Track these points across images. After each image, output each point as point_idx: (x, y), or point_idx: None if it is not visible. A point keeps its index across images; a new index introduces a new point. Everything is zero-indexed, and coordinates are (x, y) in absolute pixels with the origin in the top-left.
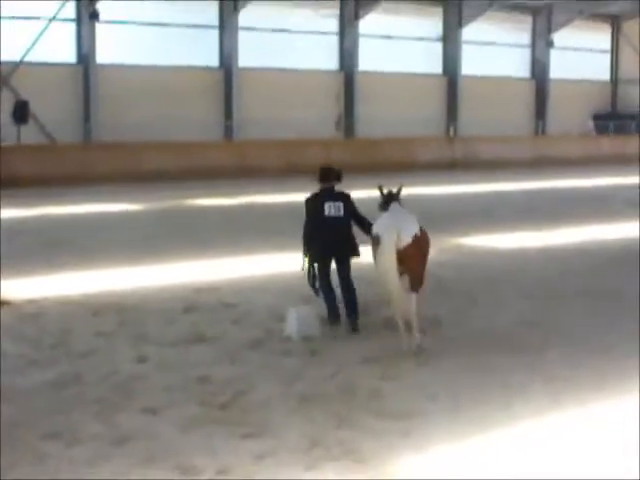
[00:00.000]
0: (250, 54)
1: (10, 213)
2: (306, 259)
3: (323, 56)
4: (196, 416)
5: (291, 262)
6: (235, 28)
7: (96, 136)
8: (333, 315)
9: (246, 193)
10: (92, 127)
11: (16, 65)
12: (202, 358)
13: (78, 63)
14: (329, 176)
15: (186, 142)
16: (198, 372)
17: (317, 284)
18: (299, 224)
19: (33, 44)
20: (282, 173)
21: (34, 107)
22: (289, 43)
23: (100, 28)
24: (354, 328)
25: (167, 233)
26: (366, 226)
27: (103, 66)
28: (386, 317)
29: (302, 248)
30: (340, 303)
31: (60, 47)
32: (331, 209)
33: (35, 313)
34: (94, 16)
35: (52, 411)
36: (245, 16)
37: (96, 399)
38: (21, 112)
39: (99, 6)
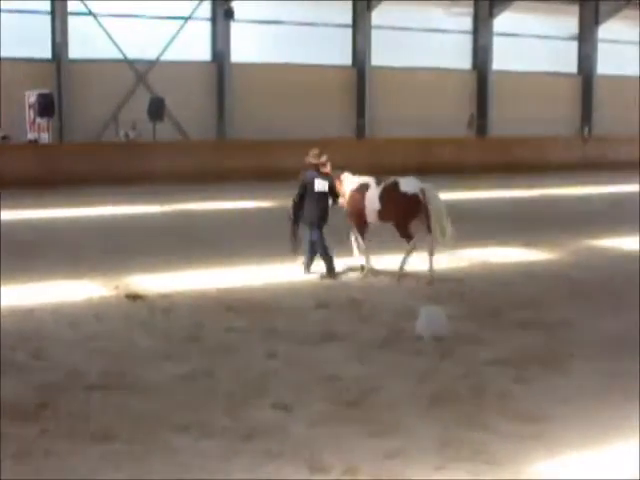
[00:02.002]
0: (383, 53)
1: (145, 209)
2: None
3: (456, 55)
4: (325, 413)
5: (419, 262)
6: (368, 27)
7: (229, 133)
8: (309, 266)
9: None
10: (226, 124)
11: (152, 63)
12: (332, 356)
13: (213, 61)
14: (319, 158)
15: (318, 140)
16: (328, 369)
17: (294, 245)
18: None
19: (169, 42)
20: (413, 172)
21: (169, 104)
22: (422, 42)
23: (235, 26)
24: (331, 277)
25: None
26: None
27: (237, 64)
28: (518, 319)
29: (290, 216)
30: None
31: (195, 45)
32: (319, 185)
33: (168, 307)
34: (229, 15)
35: (183, 405)
36: (378, 15)
37: (227, 394)
38: (157, 109)
39: (234, 5)
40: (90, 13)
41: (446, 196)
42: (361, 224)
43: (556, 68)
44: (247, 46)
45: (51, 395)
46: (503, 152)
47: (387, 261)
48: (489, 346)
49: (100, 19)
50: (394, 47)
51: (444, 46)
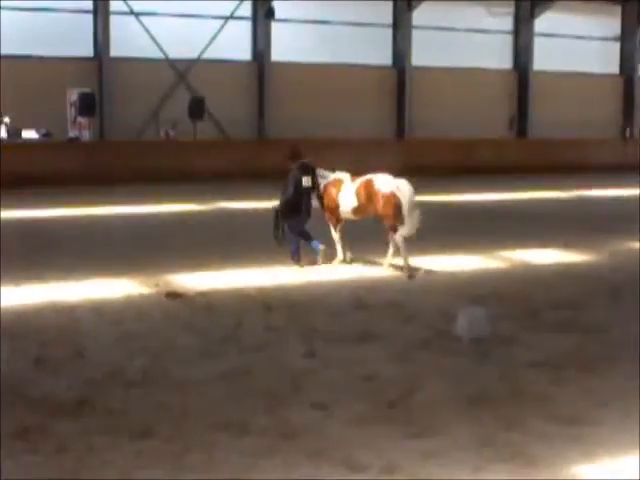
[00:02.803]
0: (423, 53)
1: (185, 207)
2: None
3: (497, 55)
4: (364, 413)
5: (461, 262)
6: (409, 27)
7: (269, 133)
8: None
9: (416, 192)
10: (265, 124)
11: (193, 62)
12: (371, 356)
13: (253, 60)
14: (300, 154)
15: (359, 140)
16: (366, 369)
17: (280, 237)
18: (469, 225)
19: (210, 42)
20: (453, 173)
21: (209, 103)
22: (462, 42)
23: (275, 26)
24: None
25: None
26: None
27: (277, 64)
28: (556, 321)
29: (279, 211)
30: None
31: (236, 45)
32: (305, 181)
33: (207, 306)
34: (270, 14)
35: (222, 403)
36: (419, 15)
37: (265, 392)
38: (197, 108)
39: (275, 4)
40: (132, 12)
41: (485, 197)
42: (335, 218)
43: (597, 69)
44: (287, 46)
45: (91, 392)
46: (543, 153)
47: (425, 261)
48: (527, 347)
49: (142, 18)
50: (434, 47)
51: (485, 46)
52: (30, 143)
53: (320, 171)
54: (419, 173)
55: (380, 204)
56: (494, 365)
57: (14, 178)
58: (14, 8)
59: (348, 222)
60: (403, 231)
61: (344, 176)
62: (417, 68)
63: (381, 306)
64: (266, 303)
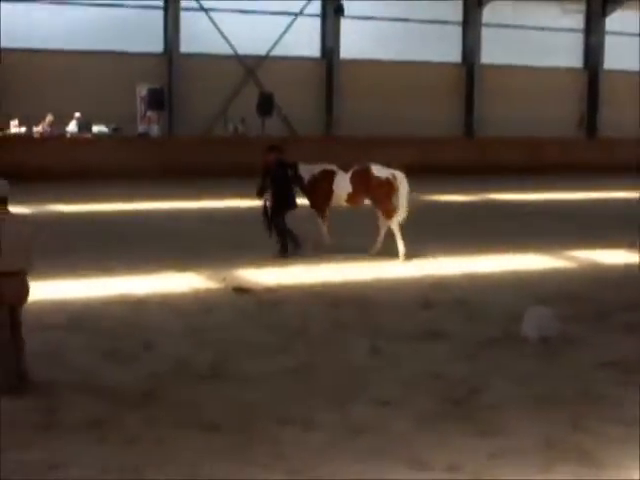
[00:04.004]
0: (493, 50)
1: (251, 202)
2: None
3: (567, 53)
4: (429, 411)
5: (528, 262)
6: (479, 24)
7: (337, 129)
8: (286, 249)
9: (484, 190)
10: (333, 121)
11: (262, 59)
12: (437, 354)
13: (322, 57)
14: (282, 150)
15: (427, 137)
16: (433, 367)
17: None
18: (536, 224)
19: (279, 38)
20: (521, 171)
21: (278, 100)
22: (532, 40)
23: (345, 23)
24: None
25: (405, 227)
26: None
27: (346, 61)
28: (624, 322)
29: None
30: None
31: (305, 42)
32: (289, 173)
33: (274, 301)
34: (339, 11)
35: (289, 398)
36: (489, 12)
37: (331, 388)
38: (265, 104)
39: (344, 2)
40: (202, 8)
41: (553, 196)
42: (323, 208)
43: None
44: (356, 43)
45: (159, 384)
46: (612, 153)
47: (492, 260)
48: (596, 348)
49: (211, 14)
50: (504, 45)
51: (555, 44)
52: (100, 137)
53: (302, 165)
54: (487, 171)
55: (377, 190)
56: (561, 366)
57: (84, 172)
58: (86, 4)
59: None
60: (399, 216)
61: (332, 167)
62: (486, 66)
63: (448, 304)
64: (333, 299)
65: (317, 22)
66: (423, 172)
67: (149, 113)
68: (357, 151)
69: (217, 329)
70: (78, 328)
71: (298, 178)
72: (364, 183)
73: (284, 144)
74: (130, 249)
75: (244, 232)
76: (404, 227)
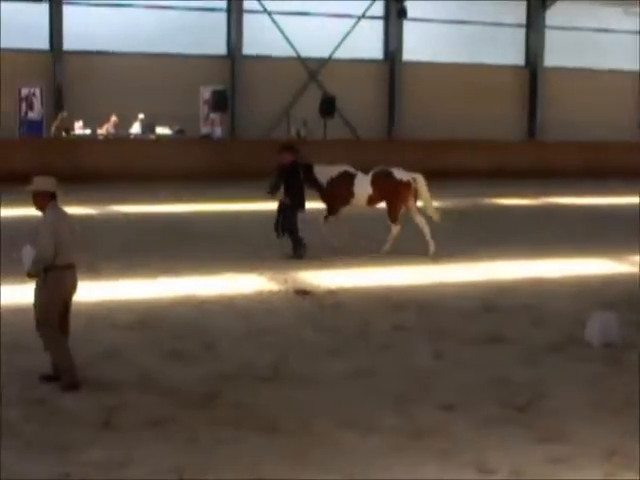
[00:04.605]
0: (556, 53)
1: (312, 205)
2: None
3: (631, 56)
4: (493, 416)
5: (591, 266)
6: (542, 27)
7: (399, 132)
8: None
9: (546, 194)
10: (395, 123)
11: (324, 61)
12: (500, 358)
13: (385, 60)
14: (297, 150)
15: (489, 141)
16: (496, 372)
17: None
18: (599, 228)
19: (342, 41)
20: (583, 175)
21: (340, 102)
22: (597, 42)
23: (407, 25)
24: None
25: (467, 231)
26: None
27: (409, 63)
28: None
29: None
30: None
31: (368, 44)
32: (302, 175)
33: (336, 304)
34: (402, 14)
35: (350, 401)
36: (553, 14)
37: (393, 392)
38: (328, 107)
39: (407, 4)
40: (265, 11)
41: (616, 200)
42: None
43: None
44: (419, 45)
45: (221, 385)
46: None
47: (554, 265)
48: None
49: (274, 17)
50: (568, 47)
51: (619, 47)
52: (164, 139)
53: (318, 167)
54: (549, 175)
55: (397, 192)
56: (625, 371)
57: (147, 173)
58: (150, 6)
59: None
60: (432, 215)
61: (351, 169)
62: (550, 69)
63: (510, 309)
64: (395, 302)
65: (380, 24)
66: (485, 175)
67: (212, 115)
68: (419, 154)
69: (278, 331)
70: (142, 328)
71: (312, 180)
72: (386, 185)
73: (297, 145)
74: (194, 250)
75: (306, 234)
76: (462, 229)
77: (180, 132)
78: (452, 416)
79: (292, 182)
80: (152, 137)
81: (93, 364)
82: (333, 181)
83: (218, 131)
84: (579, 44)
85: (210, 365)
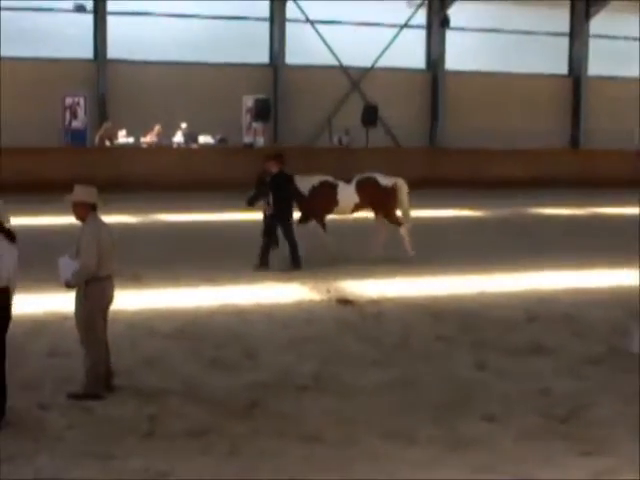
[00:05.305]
0: (600, 62)
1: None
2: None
3: None
4: (535, 427)
5: (633, 276)
6: (586, 35)
7: (441, 141)
8: (299, 260)
9: (591, 204)
10: (438, 132)
11: (367, 70)
12: (542, 369)
13: (427, 69)
14: (284, 160)
15: (532, 150)
16: (538, 383)
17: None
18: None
19: (384, 50)
20: (628, 185)
21: (382, 111)
22: (636, 51)
23: (449, 34)
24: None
25: (509, 241)
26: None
27: (451, 72)
28: None
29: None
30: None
31: (410, 53)
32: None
33: (378, 313)
34: (445, 23)
35: (391, 411)
36: (596, 23)
37: (434, 402)
38: (370, 116)
39: (450, 12)
40: (307, 20)
41: None
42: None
43: None
44: (462, 54)
45: (262, 394)
46: None
47: (594, 276)
48: None
49: (317, 26)
50: (612, 56)
51: None
52: (206, 148)
53: (299, 177)
54: (592, 184)
55: (383, 198)
56: None
57: (189, 182)
58: (192, 16)
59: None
60: (406, 221)
61: (330, 178)
62: (594, 78)
63: (552, 319)
64: (437, 313)
65: (422, 33)
66: (528, 184)
67: (255, 125)
68: (461, 163)
69: (320, 340)
70: (183, 336)
71: (294, 190)
72: (371, 192)
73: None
74: (235, 259)
75: (348, 243)
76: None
77: (222, 141)
78: (493, 427)
79: (279, 192)
80: (194, 146)
81: (135, 372)
82: (315, 190)
83: (260, 140)
84: (622, 52)
85: (251, 374)
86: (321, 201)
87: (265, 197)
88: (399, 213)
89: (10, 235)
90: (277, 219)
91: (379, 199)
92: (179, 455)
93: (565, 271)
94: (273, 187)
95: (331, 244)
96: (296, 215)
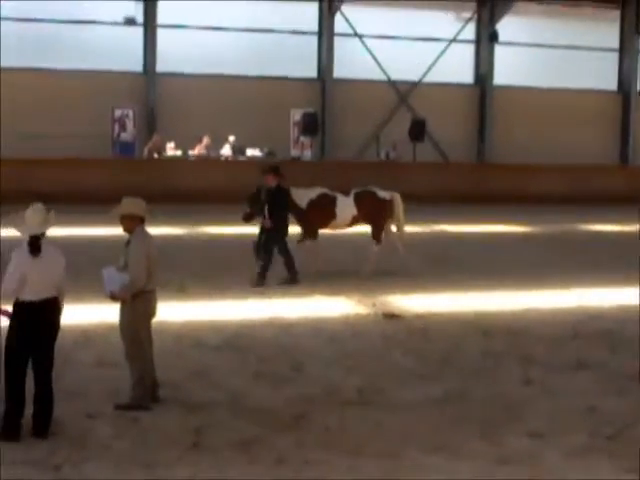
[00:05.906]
0: None
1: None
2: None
3: None
4: (582, 445)
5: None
6: (635, 51)
7: (489, 156)
8: (295, 276)
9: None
10: (486, 147)
11: (414, 85)
12: (588, 386)
13: (475, 84)
14: (282, 173)
15: (580, 166)
16: (584, 400)
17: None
18: None
19: (432, 64)
20: None
21: (430, 126)
22: None
23: (498, 49)
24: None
25: (557, 257)
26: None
27: (500, 87)
28: None
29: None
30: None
31: (458, 68)
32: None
33: (424, 328)
34: (494, 37)
35: (436, 426)
36: None
37: (480, 418)
38: (417, 130)
39: (498, 27)
40: (355, 34)
41: None
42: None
43: None
44: (510, 69)
45: (308, 407)
46: None
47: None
48: None
49: (365, 40)
50: None
51: None
52: (253, 161)
53: (296, 190)
54: None
55: (380, 211)
56: None
57: (237, 194)
58: (241, 30)
59: None
60: (400, 233)
61: (328, 190)
62: None
63: (597, 335)
64: (484, 328)
65: (471, 48)
66: (576, 201)
67: (302, 138)
68: (509, 178)
69: (366, 354)
70: (230, 349)
71: (291, 203)
72: (369, 204)
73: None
74: (282, 272)
75: (392, 258)
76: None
77: (270, 154)
78: (540, 444)
79: (276, 206)
80: (242, 159)
81: (181, 384)
82: (313, 203)
83: (308, 154)
84: None
85: (297, 387)
86: (319, 214)
87: (261, 213)
88: (394, 228)
89: (33, 247)
90: (273, 234)
91: (376, 211)
92: (224, 466)
93: (613, 288)
94: (270, 201)
95: (317, 259)
96: (292, 230)
